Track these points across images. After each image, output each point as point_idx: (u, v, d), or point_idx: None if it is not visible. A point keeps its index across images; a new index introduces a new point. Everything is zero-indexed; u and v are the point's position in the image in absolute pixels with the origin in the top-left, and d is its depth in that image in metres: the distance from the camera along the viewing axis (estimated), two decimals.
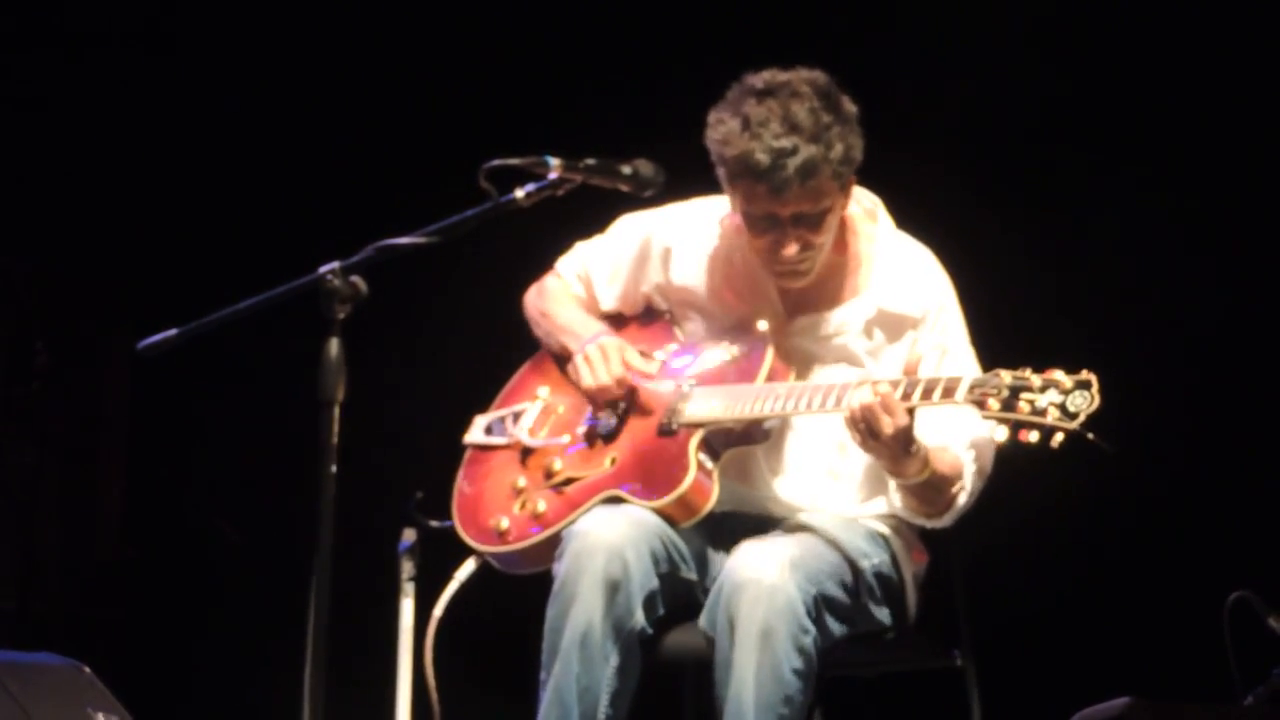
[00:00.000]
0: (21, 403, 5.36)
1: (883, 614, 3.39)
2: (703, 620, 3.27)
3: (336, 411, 2.80)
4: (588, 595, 3.25)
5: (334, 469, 2.78)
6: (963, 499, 3.30)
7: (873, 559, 3.36)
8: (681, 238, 3.54)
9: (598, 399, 3.47)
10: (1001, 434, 2.99)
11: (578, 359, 3.50)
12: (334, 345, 2.81)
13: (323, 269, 2.85)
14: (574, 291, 3.66)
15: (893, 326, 3.39)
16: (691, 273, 3.53)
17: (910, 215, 3.52)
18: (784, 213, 3.27)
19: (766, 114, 3.25)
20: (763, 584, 3.16)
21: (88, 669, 3.59)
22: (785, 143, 3.23)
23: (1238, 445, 4.54)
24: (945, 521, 3.33)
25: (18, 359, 5.36)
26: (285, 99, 5.34)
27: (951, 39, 4.66)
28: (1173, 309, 4.56)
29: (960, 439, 3.29)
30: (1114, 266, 4.59)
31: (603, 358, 3.47)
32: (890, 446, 3.14)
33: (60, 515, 5.58)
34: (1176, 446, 4.56)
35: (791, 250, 3.30)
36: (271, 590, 4.55)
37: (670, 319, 3.58)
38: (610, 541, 3.27)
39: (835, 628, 3.28)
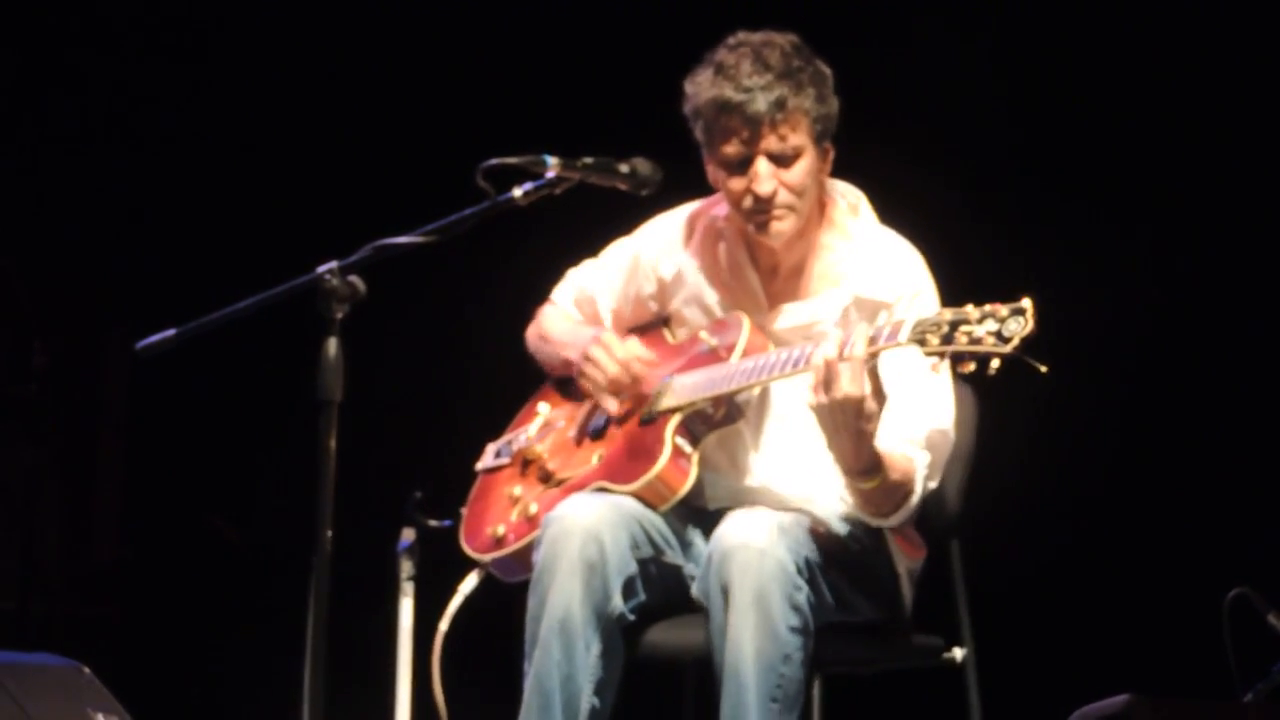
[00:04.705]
0: (20, 403, 5.36)
1: (875, 603, 3.39)
2: (695, 589, 3.28)
3: (335, 411, 2.80)
4: (565, 580, 3.25)
5: (333, 469, 2.78)
6: (913, 501, 3.29)
7: (863, 544, 3.36)
8: (666, 242, 3.58)
9: (612, 390, 3.48)
10: (943, 368, 2.99)
11: (583, 363, 3.52)
12: (332, 345, 2.82)
13: (321, 269, 2.85)
14: (572, 316, 3.69)
15: (867, 310, 3.40)
16: (681, 272, 3.55)
17: (892, 209, 3.54)
18: (757, 149, 3.31)
19: (739, 58, 3.32)
20: (751, 548, 3.17)
21: (87, 669, 3.59)
22: (758, 79, 3.29)
23: (1237, 441, 4.55)
24: (891, 523, 3.32)
25: (16, 359, 5.36)
26: (283, 98, 5.34)
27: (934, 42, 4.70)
28: (1176, 307, 4.57)
29: (915, 435, 3.28)
30: (1106, 260, 4.60)
31: (606, 351, 3.49)
32: (848, 416, 3.08)
33: (59, 516, 5.58)
34: (1176, 442, 4.56)
35: (767, 187, 3.32)
36: (271, 590, 4.55)
37: (664, 325, 3.60)
38: (585, 525, 3.28)
39: (827, 596, 3.27)
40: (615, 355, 3.48)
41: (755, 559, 3.16)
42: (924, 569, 3.50)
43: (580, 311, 3.68)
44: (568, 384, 3.63)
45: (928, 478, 3.30)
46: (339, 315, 2.83)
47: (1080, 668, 4.52)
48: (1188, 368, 4.57)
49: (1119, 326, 4.58)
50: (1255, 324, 4.53)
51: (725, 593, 3.18)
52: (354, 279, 2.85)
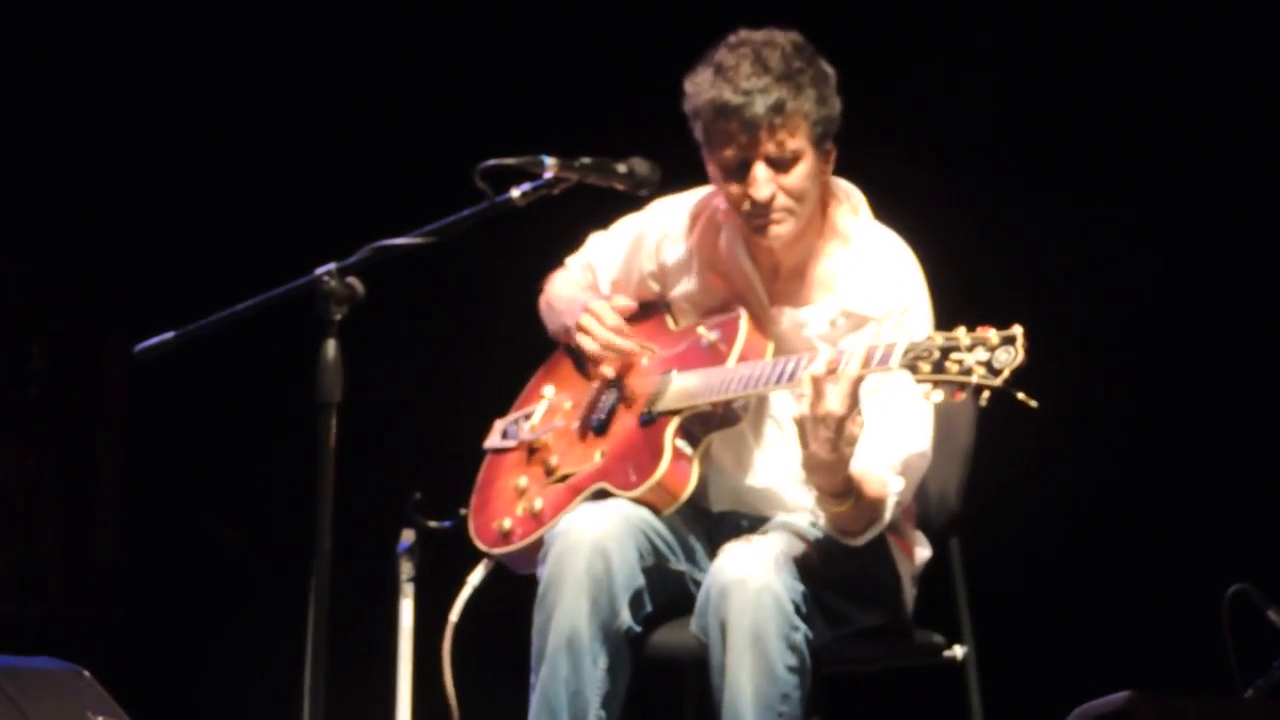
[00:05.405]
0: (18, 407, 5.36)
1: (876, 613, 3.39)
2: (694, 625, 3.26)
3: (334, 413, 2.80)
4: (572, 597, 3.25)
5: (332, 470, 2.78)
6: (882, 524, 3.29)
7: (863, 557, 3.35)
8: (670, 227, 3.57)
9: (604, 360, 3.49)
10: (936, 397, 2.97)
11: (575, 331, 3.53)
12: (331, 346, 2.81)
13: (319, 270, 2.85)
14: (580, 282, 3.68)
15: (855, 322, 3.39)
16: (681, 260, 3.55)
17: (889, 207, 3.53)
18: (755, 154, 3.29)
19: (738, 59, 3.29)
20: (749, 585, 3.15)
21: (87, 673, 3.59)
22: (756, 82, 3.26)
23: (1236, 438, 4.55)
24: (858, 544, 3.30)
25: (14, 363, 5.35)
26: (283, 98, 5.34)
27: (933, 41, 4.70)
28: (1177, 304, 4.57)
29: (893, 459, 3.28)
30: (1107, 257, 4.60)
31: (596, 320, 3.50)
32: (829, 433, 3.07)
33: (59, 519, 5.57)
34: (1175, 439, 4.56)
35: (764, 192, 3.30)
36: (271, 592, 4.55)
37: (665, 310, 3.60)
38: (592, 540, 3.27)
39: (826, 624, 3.27)
40: (605, 324, 3.49)
41: (752, 597, 3.15)
42: (925, 569, 3.49)
43: (585, 279, 3.68)
44: (572, 361, 3.63)
45: (899, 504, 3.31)
46: (338, 316, 2.83)
47: (1081, 665, 4.52)
48: (1188, 365, 4.57)
49: (1119, 323, 4.58)
50: (1255, 322, 4.54)
51: (723, 630, 3.17)
52: (352, 280, 2.85)
